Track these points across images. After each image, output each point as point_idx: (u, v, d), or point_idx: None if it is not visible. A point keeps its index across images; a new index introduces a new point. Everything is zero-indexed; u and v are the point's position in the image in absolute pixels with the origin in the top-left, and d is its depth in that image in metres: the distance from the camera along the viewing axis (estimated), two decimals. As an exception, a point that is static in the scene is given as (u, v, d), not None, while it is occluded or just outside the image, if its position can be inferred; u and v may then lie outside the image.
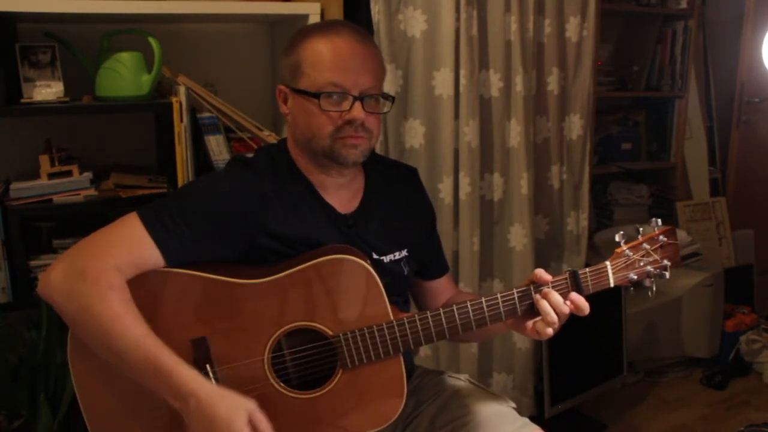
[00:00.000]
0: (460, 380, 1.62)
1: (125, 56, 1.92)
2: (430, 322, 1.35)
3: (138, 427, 1.30)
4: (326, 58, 1.36)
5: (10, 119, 2.08)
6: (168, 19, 2.16)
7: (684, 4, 3.52)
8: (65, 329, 1.26)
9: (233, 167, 1.46)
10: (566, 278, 1.36)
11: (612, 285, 1.40)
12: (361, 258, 1.35)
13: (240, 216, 1.35)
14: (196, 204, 1.34)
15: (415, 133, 2.32)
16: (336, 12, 2.09)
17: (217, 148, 2.07)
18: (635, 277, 1.40)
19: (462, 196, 2.42)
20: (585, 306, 1.34)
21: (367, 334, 1.33)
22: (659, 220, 1.43)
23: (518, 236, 2.57)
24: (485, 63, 2.43)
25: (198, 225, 1.31)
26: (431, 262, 1.64)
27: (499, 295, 1.35)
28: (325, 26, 1.43)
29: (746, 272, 3.72)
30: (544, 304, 1.33)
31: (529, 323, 1.37)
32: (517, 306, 1.36)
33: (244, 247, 1.37)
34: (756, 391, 3.15)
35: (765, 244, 3.91)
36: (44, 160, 1.92)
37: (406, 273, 1.53)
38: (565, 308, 1.33)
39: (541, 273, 1.36)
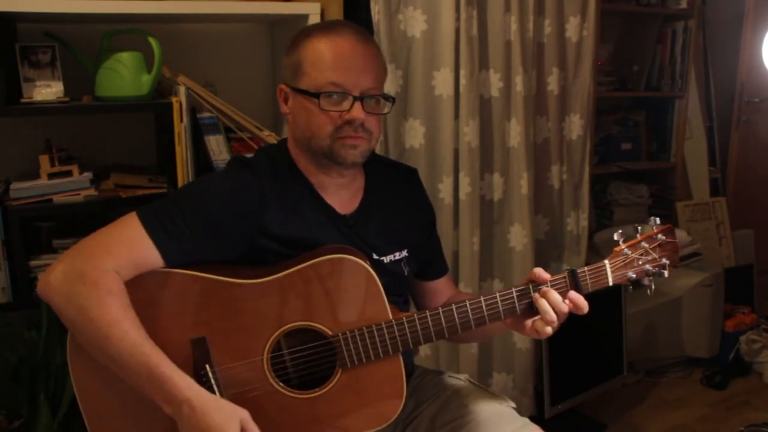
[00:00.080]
0: (460, 380, 1.62)
1: (125, 56, 1.92)
2: (429, 322, 1.35)
3: (137, 427, 1.30)
4: (327, 57, 1.36)
5: (10, 119, 2.08)
6: (168, 19, 2.16)
7: (684, 4, 3.52)
8: (65, 329, 1.26)
9: (233, 167, 1.46)
10: (565, 277, 1.36)
11: (611, 284, 1.40)
12: (360, 258, 1.35)
13: (240, 216, 1.35)
14: (196, 204, 1.34)
15: (415, 133, 2.32)
16: (336, 12, 2.10)
17: (217, 148, 2.07)
18: (634, 275, 1.40)
19: (462, 196, 2.42)
20: (584, 305, 1.34)
21: (366, 334, 1.33)
22: (658, 219, 1.43)
23: (518, 236, 2.57)
24: (485, 63, 2.43)
25: (198, 225, 1.31)
26: (431, 262, 1.64)
27: (497, 295, 1.35)
28: (327, 26, 1.43)
29: (746, 272, 3.72)
30: (543, 303, 1.33)
31: (528, 322, 1.37)
32: (516, 305, 1.36)
33: (243, 248, 1.37)
34: (756, 391, 3.15)
35: (765, 244, 3.91)
36: (44, 160, 1.92)
37: (406, 273, 1.53)
38: (564, 307, 1.33)
39: (540, 272, 1.36)
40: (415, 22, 2.25)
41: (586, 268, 1.38)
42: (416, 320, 1.34)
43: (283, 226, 1.37)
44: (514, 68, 2.46)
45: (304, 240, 1.38)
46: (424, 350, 2.44)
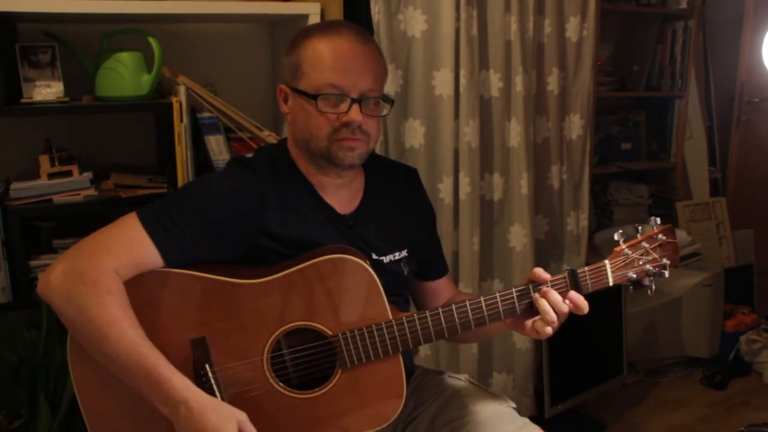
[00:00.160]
0: (460, 380, 1.62)
1: (125, 56, 1.92)
2: (429, 322, 1.35)
3: (137, 427, 1.30)
4: (326, 58, 1.36)
5: (10, 119, 2.08)
6: (168, 19, 2.16)
7: (684, 4, 3.52)
8: (65, 329, 1.26)
9: (233, 167, 1.46)
10: (565, 277, 1.36)
11: (611, 284, 1.40)
12: (360, 258, 1.35)
13: (240, 216, 1.35)
14: (196, 204, 1.34)
15: (415, 133, 2.32)
16: (336, 12, 2.10)
17: (217, 148, 2.07)
18: (634, 275, 1.40)
19: (462, 196, 2.42)
20: (584, 305, 1.34)
21: (366, 334, 1.33)
22: (658, 219, 1.43)
23: (518, 236, 2.57)
24: (485, 63, 2.43)
25: (198, 225, 1.31)
26: (431, 262, 1.64)
27: (497, 295, 1.35)
28: (327, 26, 1.43)
29: (746, 272, 3.72)
30: (543, 303, 1.33)
31: (528, 322, 1.37)
32: (516, 305, 1.36)
33: (243, 248, 1.37)
34: (756, 391, 3.15)
35: (765, 244, 3.91)
36: (44, 160, 1.92)
37: (405, 273, 1.53)
38: (564, 307, 1.33)
39: (540, 272, 1.36)
40: (415, 22, 2.25)
41: (586, 268, 1.37)
42: (416, 320, 1.34)
43: (282, 226, 1.37)
44: (514, 68, 2.46)
45: (303, 240, 1.38)
46: (424, 350, 2.44)
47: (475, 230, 2.46)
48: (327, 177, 1.44)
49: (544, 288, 1.34)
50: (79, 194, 1.92)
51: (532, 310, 1.36)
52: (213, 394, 1.28)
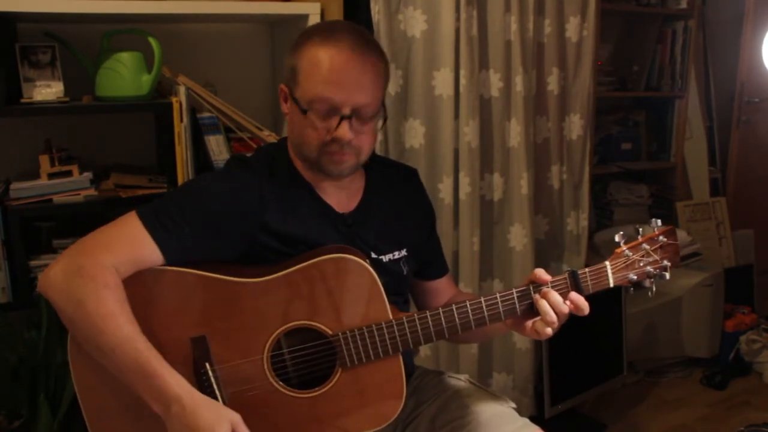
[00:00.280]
0: (460, 381, 1.62)
1: (125, 56, 1.92)
2: (429, 322, 1.35)
3: (138, 426, 1.30)
4: (320, 69, 1.32)
5: (10, 119, 2.08)
6: (168, 19, 2.16)
7: (684, 4, 3.52)
8: (65, 330, 1.27)
9: (232, 167, 1.46)
10: (566, 278, 1.36)
11: (611, 285, 1.40)
12: (360, 257, 1.35)
13: (239, 216, 1.35)
14: (196, 203, 1.34)
15: (415, 133, 2.32)
16: (336, 12, 2.09)
17: (217, 148, 2.07)
18: (635, 277, 1.40)
19: (462, 196, 2.42)
20: (585, 306, 1.34)
21: (366, 334, 1.33)
22: (659, 221, 1.43)
23: (518, 236, 2.57)
24: (485, 63, 2.43)
25: (198, 224, 1.31)
26: (431, 262, 1.64)
27: (498, 295, 1.35)
28: (327, 32, 1.37)
29: (746, 272, 3.72)
30: (544, 304, 1.33)
31: (529, 323, 1.37)
32: (517, 306, 1.36)
33: (243, 247, 1.37)
34: (756, 391, 3.15)
35: (765, 244, 3.91)
36: (44, 160, 1.92)
37: (405, 273, 1.53)
38: (565, 308, 1.33)
39: (541, 273, 1.36)
40: (415, 22, 2.25)
41: (586, 270, 1.37)
42: (416, 320, 1.35)
43: (282, 225, 1.38)
44: (514, 68, 2.46)
45: (303, 238, 1.38)
46: (424, 350, 2.44)
47: (475, 230, 2.46)
48: (324, 180, 1.44)
49: (545, 289, 1.34)
50: (79, 194, 1.92)
51: (533, 310, 1.36)
52: (213, 392, 1.28)
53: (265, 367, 1.33)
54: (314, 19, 2.07)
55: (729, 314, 3.37)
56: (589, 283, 1.37)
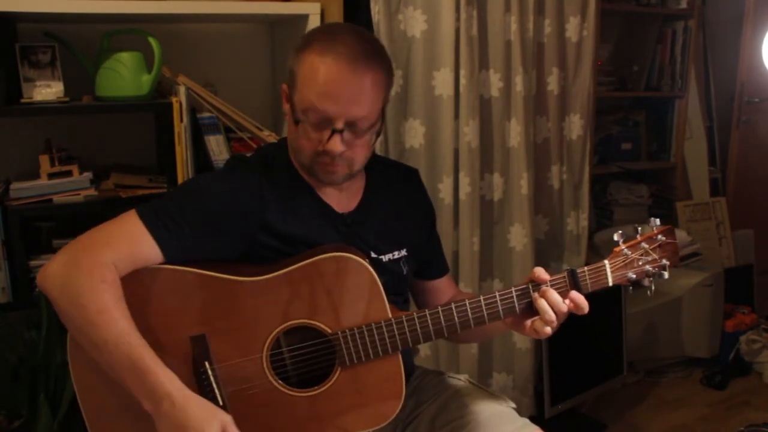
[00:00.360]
0: (460, 381, 1.62)
1: (125, 56, 1.93)
2: (429, 321, 1.35)
3: (137, 426, 1.29)
4: (316, 80, 1.30)
5: (10, 119, 2.08)
6: (168, 19, 2.16)
7: (684, 4, 3.52)
8: (65, 329, 1.27)
9: (232, 166, 1.46)
10: (565, 277, 1.36)
11: (610, 284, 1.40)
12: (360, 256, 1.35)
13: (239, 216, 1.35)
14: (196, 203, 1.34)
15: (415, 133, 2.32)
16: (336, 12, 2.10)
17: (217, 148, 2.07)
18: (634, 276, 1.40)
19: (462, 196, 2.42)
20: (585, 305, 1.34)
21: (365, 332, 1.33)
22: (657, 220, 1.43)
23: (518, 236, 2.57)
24: (485, 63, 2.43)
25: (197, 224, 1.32)
26: (431, 262, 1.64)
27: (497, 294, 1.36)
28: (328, 42, 1.32)
29: (746, 272, 3.72)
30: (543, 303, 1.33)
31: (528, 322, 1.37)
32: (516, 304, 1.36)
33: (243, 247, 1.37)
34: (756, 391, 3.15)
35: (765, 244, 3.91)
36: (44, 160, 1.92)
37: (405, 272, 1.53)
38: (563, 307, 1.33)
39: (540, 272, 1.36)
40: (415, 22, 2.25)
41: (585, 268, 1.38)
42: (415, 319, 1.35)
43: (282, 225, 1.38)
44: (514, 68, 2.46)
45: (302, 238, 1.38)
46: (424, 350, 2.44)
47: (475, 230, 2.46)
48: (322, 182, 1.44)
49: (544, 288, 1.34)
50: (79, 194, 1.93)
51: (532, 309, 1.36)
52: (212, 391, 1.28)
53: (265, 365, 1.33)
54: (314, 19, 2.07)
55: (729, 314, 3.37)
56: (588, 281, 1.37)
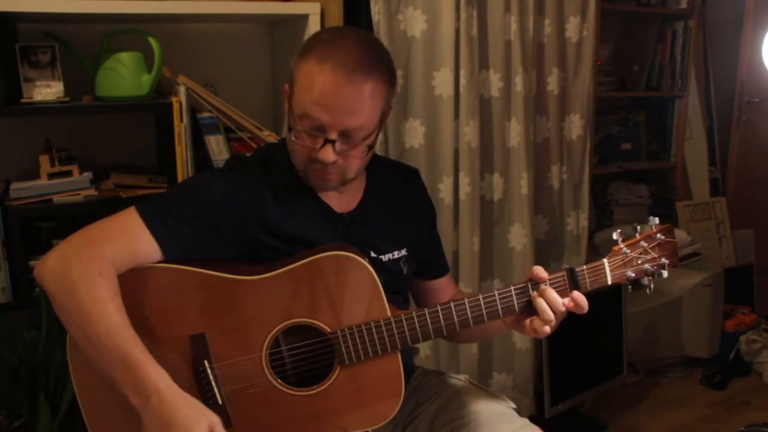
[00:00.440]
0: (460, 381, 1.62)
1: (125, 56, 1.93)
2: (428, 320, 1.35)
3: (138, 426, 1.29)
4: (312, 89, 1.28)
5: (10, 119, 2.09)
6: (168, 19, 2.16)
7: (684, 4, 3.52)
8: (65, 330, 1.27)
9: (231, 166, 1.47)
10: (564, 275, 1.36)
11: (609, 282, 1.40)
12: (359, 255, 1.35)
13: (238, 215, 1.35)
14: (195, 203, 1.34)
15: (415, 133, 2.33)
16: (336, 12, 2.10)
17: (217, 148, 2.07)
18: (633, 274, 1.40)
19: (462, 196, 2.42)
20: (585, 304, 1.34)
21: (364, 331, 1.33)
22: (656, 219, 1.43)
23: (518, 236, 2.57)
24: (485, 63, 2.43)
25: (197, 223, 1.32)
26: (431, 262, 1.64)
27: (496, 293, 1.36)
28: (329, 50, 1.30)
29: (746, 272, 3.72)
30: (541, 302, 1.33)
31: (527, 321, 1.37)
32: (515, 303, 1.36)
33: (242, 246, 1.37)
34: (756, 391, 3.15)
35: (765, 244, 3.91)
36: (44, 160, 1.92)
37: (405, 272, 1.53)
38: (562, 306, 1.33)
39: (539, 270, 1.36)
40: (415, 22, 2.26)
41: (584, 267, 1.38)
42: (415, 318, 1.35)
43: (281, 224, 1.38)
44: (514, 68, 2.46)
45: (301, 237, 1.38)
46: (424, 350, 2.44)
47: (475, 230, 2.46)
48: None
49: (542, 286, 1.34)
50: (79, 194, 1.93)
51: (531, 308, 1.36)
52: (211, 389, 1.28)
53: (264, 364, 1.33)
54: (314, 19, 2.07)
55: (729, 314, 3.37)
56: (587, 280, 1.37)
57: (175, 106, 1.92)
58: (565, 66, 2.67)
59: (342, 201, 1.47)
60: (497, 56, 2.43)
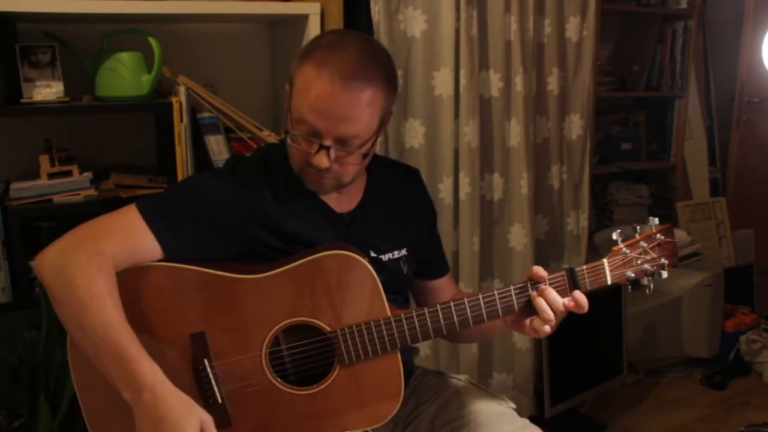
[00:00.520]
0: (460, 381, 1.62)
1: (125, 56, 1.93)
2: (428, 319, 1.35)
3: (137, 426, 1.30)
4: (309, 94, 1.28)
5: (10, 119, 2.09)
6: (168, 19, 2.17)
7: (684, 4, 3.52)
8: (65, 330, 1.27)
9: (231, 166, 1.47)
10: (563, 275, 1.36)
11: (609, 282, 1.40)
12: (359, 255, 1.35)
13: (238, 215, 1.35)
14: (195, 202, 1.34)
15: (415, 133, 2.33)
16: (336, 12, 2.10)
17: (217, 148, 2.07)
18: (632, 274, 1.40)
19: (462, 196, 2.42)
20: (585, 303, 1.34)
21: (364, 330, 1.33)
22: (656, 219, 1.43)
23: (518, 236, 2.57)
24: (485, 63, 2.43)
25: (197, 222, 1.32)
26: (431, 261, 1.64)
27: (496, 292, 1.36)
28: (328, 55, 1.29)
29: (746, 272, 3.72)
30: (541, 302, 1.33)
31: (527, 321, 1.38)
32: (515, 303, 1.36)
33: (242, 246, 1.37)
34: (756, 391, 3.15)
35: (765, 244, 3.91)
36: (44, 160, 1.92)
37: (405, 272, 1.53)
38: (561, 306, 1.33)
39: (539, 270, 1.36)
40: (415, 22, 2.26)
41: (584, 267, 1.38)
42: (414, 317, 1.35)
43: (281, 224, 1.38)
44: (514, 68, 2.46)
45: (300, 237, 1.38)
46: (424, 350, 2.44)
47: (475, 230, 2.46)
48: None
49: (542, 286, 1.35)
50: (79, 194, 1.93)
51: (531, 308, 1.36)
52: (211, 388, 1.28)
53: (264, 363, 1.33)
54: (314, 19, 2.07)
55: (729, 314, 3.37)
56: (586, 280, 1.37)
57: (175, 106, 1.92)
58: (565, 66, 2.67)
59: (342, 201, 1.47)
60: (497, 56, 2.43)
